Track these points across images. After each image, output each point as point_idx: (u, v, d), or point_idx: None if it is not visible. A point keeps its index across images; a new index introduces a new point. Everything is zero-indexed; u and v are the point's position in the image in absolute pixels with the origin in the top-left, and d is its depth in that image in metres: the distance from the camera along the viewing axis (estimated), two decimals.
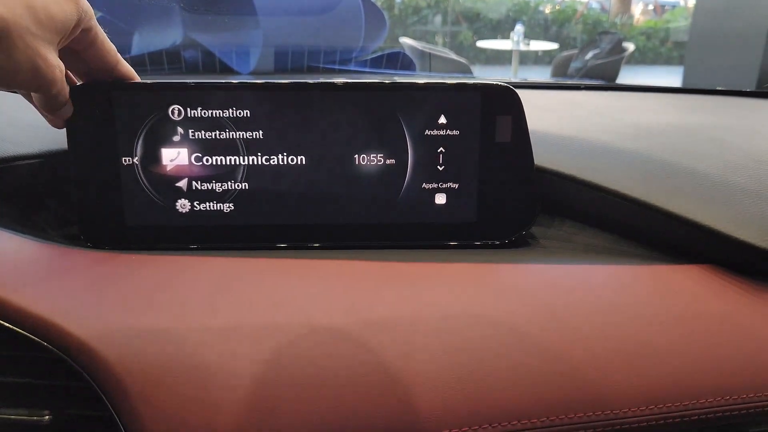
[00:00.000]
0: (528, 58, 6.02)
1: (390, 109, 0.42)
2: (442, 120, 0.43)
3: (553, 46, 5.29)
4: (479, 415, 0.33)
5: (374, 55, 1.08)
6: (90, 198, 0.42)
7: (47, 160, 0.43)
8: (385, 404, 0.32)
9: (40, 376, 0.33)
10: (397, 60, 1.11)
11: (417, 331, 0.34)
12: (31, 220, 0.43)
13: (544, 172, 0.47)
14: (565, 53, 4.41)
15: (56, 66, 0.34)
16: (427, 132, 0.43)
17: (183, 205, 0.43)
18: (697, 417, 0.35)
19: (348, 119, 0.42)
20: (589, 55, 4.09)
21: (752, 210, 0.41)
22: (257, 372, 0.32)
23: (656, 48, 7.37)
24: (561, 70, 4.26)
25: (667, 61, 7.11)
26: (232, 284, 0.36)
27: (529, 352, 0.34)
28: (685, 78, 3.36)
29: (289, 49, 0.87)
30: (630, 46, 4.08)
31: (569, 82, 0.84)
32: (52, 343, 0.31)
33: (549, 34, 6.94)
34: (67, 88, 0.38)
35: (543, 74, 5.06)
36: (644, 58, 7.26)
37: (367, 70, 1.04)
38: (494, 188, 0.44)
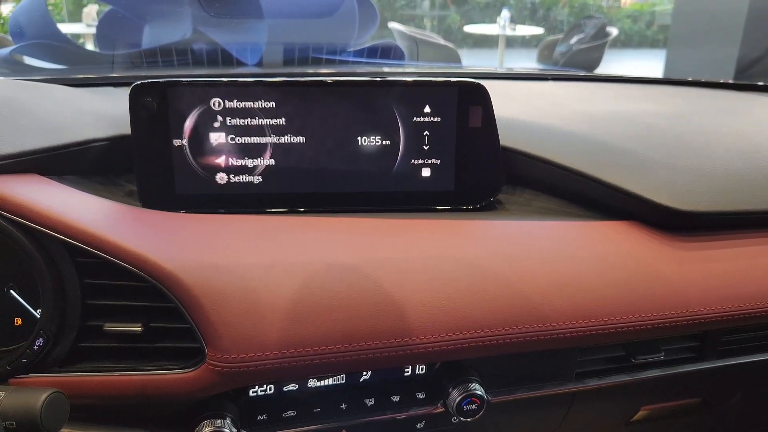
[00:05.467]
0: (516, 42, 6.10)
1: (386, 101, 0.53)
2: (427, 109, 0.53)
3: (538, 31, 5.37)
4: (452, 326, 0.45)
5: (369, 45, 1.19)
6: (147, 171, 0.52)
7: (114, 142, 0.54)
8: (387, 318, 0.44)
9: (134, 299, 0.44)
10: (390, 51, 1.22)
11: (408, 268, 0.46)
12: (101, 190, 0.54)
13: (509, 150, 0.58)
14: (551, 38, 4.50)
15: None
16: (415, 119, 0.53)
17: (221, 177, 0.53)
18: (614, 330, 0.48)
19: (353, 108, 0.53)
20: (574, 39, 4.18)
21: (664, 179, 0.54)
22: (292, 295, 0.44)
23: (642, 31, 7.46)
24: (546, 54, 4.36)
25: (653, 44, 7.21)
26: (268, 235, 0.48)
27: (489, 282, 0.47)
28: (668, 60, 3.46)
29: (292, 44, 0.97)
30: (613, 31, 4.17)
31: (539, 72, 0.96)
32: (147, 273, 0.42)
33: (536, 17, 7.02)
34: None
35: (530, 57, 5.15)
36: (630, 41, 7.35)
37: (362, 60, 1.14)
38: (468, 163, 0.55)
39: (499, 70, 1.17)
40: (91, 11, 3.25)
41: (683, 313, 0.50)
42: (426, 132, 0.54)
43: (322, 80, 0.52)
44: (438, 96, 0.53)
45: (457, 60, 3.61)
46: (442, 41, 3.79)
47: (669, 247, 0.52)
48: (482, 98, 0.53)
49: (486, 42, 6.01)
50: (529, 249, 0.50)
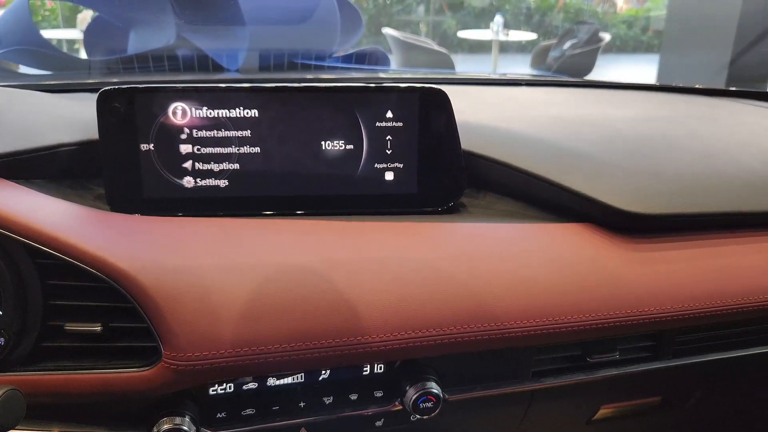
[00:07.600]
0: (510, 47, 6.13)
1: (349, 106, 0.54)
2: (390, 114, 0.55)
3: (531, 36, 5.41)
4: (406, 326, 0.46)
5: (352, 51, 1.20)
6: (115, 176, 0.53)
7: (83, 147, 0.55)
8: (340, 318, 0.46)
9: (94, 300, 0.46)
10: (373, 57, 1.23)
11: (363, 268, 0.47)
12: (71, 194, 0.55)
13: (472, 155, 0.60)
14: (544, 43, 4.53)
15: None
16: (377, 124, 0.55)
17: (189, 181, 0.54)
18: (565, 329, 0.49)
19: (317, 114, 0.54)
20: (567, 45, 4.21)
21: (620, 182, 0.55)
22: (247, 295, 0.45)
23: (637, 36, 7.51)
24: (540, 59, 4.39)
25: (648, 49, 7.25)
26: (227, 237, 0.49)
27: (443, 283, 0.48)
28: (661, 65, 3.49)
29: (272, 50, 0.98)
30: (606, 37, 4.20)
31: (513, 78, 0.97)
32: (105, 274, 0.43)
33: (531, 22, 7.06)
34: None
35: (524, 62, 5.18)
36: (625, 46, 7.40)
37: (340, 65, 1.15)
38: (430, 167, 0.56)
39: (487, 76, 1.18)
40: (86, 17, 3.26)
41: (634, 312, 0.51)
42: (389, 136, 0.55)
43: (286, 86, 0.53)
44: (400, 101, 0.54)
45: (451, 65, 3.63)
46: (435, 47, 3.81)
47: (622, 249, 0.53)
48: (443, 103, 0.55)
49: (482, 47, 6.04)
50: (485, 250, 0.51)
